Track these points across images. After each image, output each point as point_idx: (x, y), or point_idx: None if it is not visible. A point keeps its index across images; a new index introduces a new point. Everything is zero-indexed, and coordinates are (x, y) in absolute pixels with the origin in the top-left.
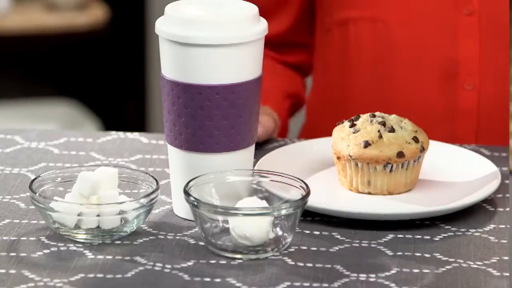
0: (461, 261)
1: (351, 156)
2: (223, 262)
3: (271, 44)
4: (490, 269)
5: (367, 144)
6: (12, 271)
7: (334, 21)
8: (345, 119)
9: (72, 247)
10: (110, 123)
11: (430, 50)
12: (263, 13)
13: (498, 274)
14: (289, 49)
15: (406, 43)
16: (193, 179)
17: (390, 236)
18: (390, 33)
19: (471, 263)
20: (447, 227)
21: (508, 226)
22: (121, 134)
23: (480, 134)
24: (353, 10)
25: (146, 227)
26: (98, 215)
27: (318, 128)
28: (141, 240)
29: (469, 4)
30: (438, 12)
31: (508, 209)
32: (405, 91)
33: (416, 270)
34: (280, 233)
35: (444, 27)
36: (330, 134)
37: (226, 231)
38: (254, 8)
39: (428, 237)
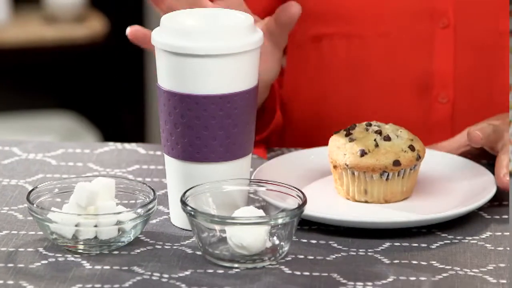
0: (458, 268)
1: (347, 165)
2: (221, 271)
3: None
4: (486, 277)
5: (363, 153)
6: (10, 282)
7: (307, 37)
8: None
9: (70, 257)
10: (109, 134)
11: (405, 63)
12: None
13: (495, 281)
14: None
15: (381, 58)
16: (190, 188)
17: (387, 244)
18: (365, 48)
19: (468, 270)
20: (443, 235)
21: (505, 233)
22: (118, 145)
23: None
24: (328, 26)
25: (143, 237)
26: (95, 226)
27: (296, 141)
28: (139, 250)
29: (444, 17)
30: (413, 26)
31: (505, 216)
32: (380, 104)
33: (412, 278)
34: (277, 242)
35: (419, 41)
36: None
37: (223, 240)
38: (249, 18)
39: (425, 245)
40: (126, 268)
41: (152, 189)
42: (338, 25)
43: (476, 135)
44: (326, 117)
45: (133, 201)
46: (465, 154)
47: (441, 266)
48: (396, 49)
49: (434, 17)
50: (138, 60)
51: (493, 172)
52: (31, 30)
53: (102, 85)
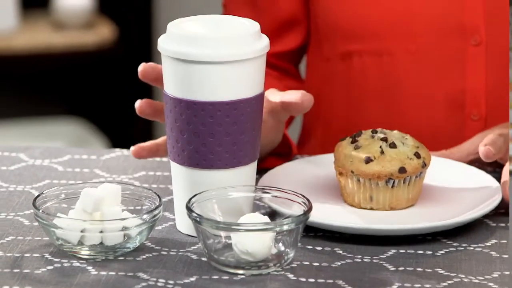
0: (463, 276)
1: (353, 172)
2: (226, 277)
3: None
4: (491, 284)
5: (369, 160)
6: None
7: (336, 54)
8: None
9: (76, 263)
10: (118, 141)
11: (436, 81)
12: (270, 32)
13: None
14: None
15: (412, 75)
16: (195, 195)
17: (392, 251)
18: (396, 65)
19: (473, 278)
20: (448, 242)
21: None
22: (125, 151)
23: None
24: (358, 43)
25: (149, 243)
26: (101, 232)
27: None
28: (144, 256)
29: (476, 34)
30: (444, 43)
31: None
32: (412, 121)
33: (417, 285)
34: (282, 248)
35: (451, 58)
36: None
37: (228, 246)
38: (255, 25)
39: (430, 252)
40: (131, 274)
41: (158, 195)
42: (368, 43)
43: (488, 151)
44: (357, 129)
45: (139, 207)
46: (474, 161)
47: (446, 274)
48: (427, 67)
49: (465, 34)
50: None
51: (498, 179)
52: (39, 37)
53: (110, 91)
